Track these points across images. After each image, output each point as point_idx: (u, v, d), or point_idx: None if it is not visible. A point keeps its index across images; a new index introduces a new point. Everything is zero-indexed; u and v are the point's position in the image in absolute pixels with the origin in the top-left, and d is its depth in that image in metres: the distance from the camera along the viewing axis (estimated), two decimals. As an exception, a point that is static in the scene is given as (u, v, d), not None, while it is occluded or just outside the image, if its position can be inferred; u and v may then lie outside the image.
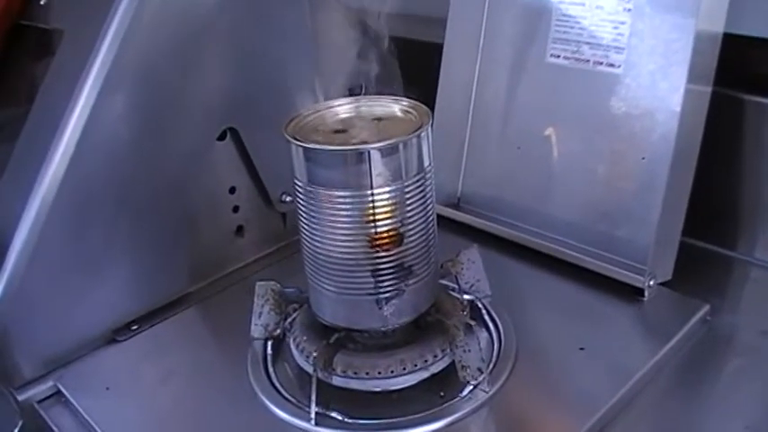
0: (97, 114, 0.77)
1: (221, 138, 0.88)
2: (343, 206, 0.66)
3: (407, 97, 0.72)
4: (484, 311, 0.79)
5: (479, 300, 0.79)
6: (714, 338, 0.79)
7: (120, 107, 0.79)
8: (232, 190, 0.91)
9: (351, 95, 0.75)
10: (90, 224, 0.80)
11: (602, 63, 0.87)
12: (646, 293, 0.82)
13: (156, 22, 0.79)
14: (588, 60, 0.88)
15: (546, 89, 0.91)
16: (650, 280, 0.81)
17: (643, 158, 0.84)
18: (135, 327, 0.85)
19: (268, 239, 0.96)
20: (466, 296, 0.79)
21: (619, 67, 0.85)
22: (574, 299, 0.83)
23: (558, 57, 0.90)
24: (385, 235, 0.67)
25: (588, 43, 0.87)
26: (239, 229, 0.93)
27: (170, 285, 0.88)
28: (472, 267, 0.78)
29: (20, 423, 0.78)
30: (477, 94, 0.97)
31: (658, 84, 0.82)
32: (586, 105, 0.88)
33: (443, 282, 0.79)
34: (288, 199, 0.94)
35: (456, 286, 0.79)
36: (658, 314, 0.81)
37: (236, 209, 0.92)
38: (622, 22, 0.84)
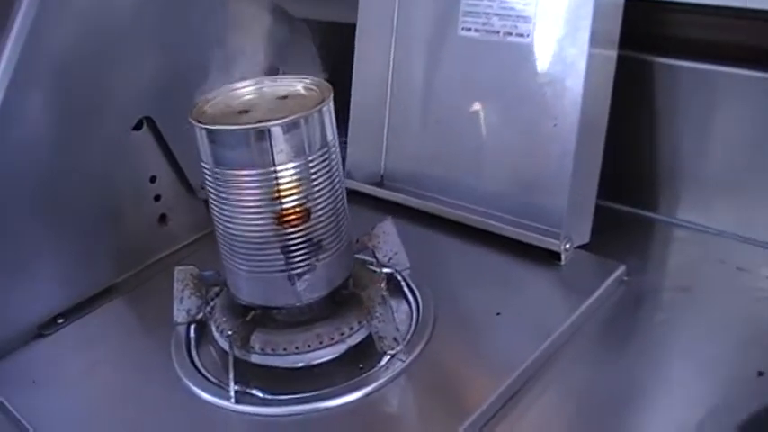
0: (8, 110, 0.77)
1: (137, 127, 0.88)
2: (249, 185, 0.67)
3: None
4: (403, 283, 0.80)
5: (398, 272, 0.80)
6: (632, 297, 0.80)
7: (32, 102, 0.79)
8: (153, 179, 0.91)
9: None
10: (10, 221, 0.80)
11: (511, 34, 0.88)
12: (562, 257, 0.83)
13: (63, 15, 0.79)
14: (498, 32, 0.89)
15: (461, 63, 0.92)
16: (566, 243, 0.83)
17: (555, 125, 0.85)
18: (61, 320, 0.85)
19: (192, 227, 0.96)
20: (385, 269, 0.80)
21: (528, 36, 0.86)
22: (493, 267, 0.85)
23: (470, 30, 0.91)
24: (291, 211, 0.68)
25: (498, 15, 0.88)
26: (162, 218, 0.94)
27: (96, 277, 0.88)
28: (388, 240, 0.79)
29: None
30: (395, 71, 0.98)
31: (565, 50, 0.83)
32: (500, 76, 0.89)
33: (362, 256, 0.80)
34: (209, 185, 0.94)
35: (374, 260, 0.80)
36: (575, 276, 0.82)
37: (157, 197, 0.93)
38: (528, -8, 0.85)
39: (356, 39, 0.97)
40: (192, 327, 0.79)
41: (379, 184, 0.99)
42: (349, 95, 0.97)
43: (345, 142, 0.97)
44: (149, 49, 0.88)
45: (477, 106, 0.92)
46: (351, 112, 0.98)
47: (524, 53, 0.87)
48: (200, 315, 0.78)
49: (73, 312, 0.86)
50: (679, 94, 0.87)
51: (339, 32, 0.98)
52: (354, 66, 0.97)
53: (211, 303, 0.78)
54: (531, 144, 0.87)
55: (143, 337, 0.83)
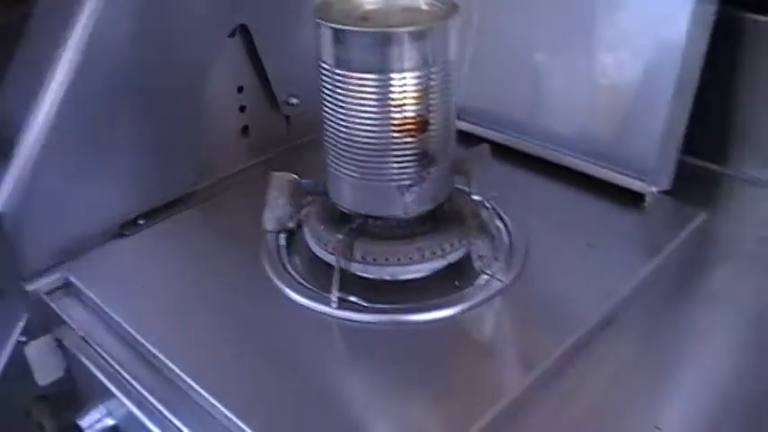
0: (106, 7, 0.76)
1: (231, 35, 0.87)
2: (372, 90, 0.67)
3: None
4: (493, 211, 0.80)
5: (488, 200, 0.80)
6: (712, 244, 0.82)
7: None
8: (240, 89, 0.91)
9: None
10: (99, 119, 0.80)
11: (610, -24, 0.87)
12: (647, 199, 0.84)
13: None
14: (598, -30, 0.88)
15: (552, 2, 0.92)
16: (652, 186, 0.84)
17: (648, 71, 0.85)
18: (142, 221, 0.85)
19: (271, 142, 0.96)
20: (475, 197, 0.80)
21: (627, -20, 0.86)
22: (577, 204, 0.86)
23: (568, -35, 0.91)
24: (411, 120, 0.68)
25: (599, -49, 0.88)
26: (245, 130, 0.94)
27: (176, 182, 0.88)
28: (482, 166, 0.79)
29: (25, 316, 0.78)
30: (482, 5, 0.97)
31: (669, -2, 0.83)
32: (593, 18, 0.88)
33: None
34: (294, 101, 0.94)
35: (467, 188, 0.80)
36: (658, 219, 0.83)
37: (242, 108, 0.92)
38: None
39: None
40: (282, 235, 0.79)
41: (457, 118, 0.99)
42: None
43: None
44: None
45: (565, 47, 0.91)
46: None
47: (622, -3, 0.86)
48: (291, 224, 0.78)
49: (153, 215, 0.86)
50: (760, 52, 0.88)
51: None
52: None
53: (304, 212, 0.78)
54: (620, 89, 0.87)
55: (227, 243, 0.82)
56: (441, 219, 0.75)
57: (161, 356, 0.68)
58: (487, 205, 0.80)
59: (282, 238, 0.79)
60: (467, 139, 0.93)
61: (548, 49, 0.92)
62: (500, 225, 0.80)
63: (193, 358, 0.68)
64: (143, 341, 0.70)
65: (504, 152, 0.92)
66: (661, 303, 0.74)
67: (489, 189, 0.81)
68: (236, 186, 0.91)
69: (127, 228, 0.84)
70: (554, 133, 0.92)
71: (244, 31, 0.88)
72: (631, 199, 0.85)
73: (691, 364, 0.68)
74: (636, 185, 0.84)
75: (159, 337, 0.70)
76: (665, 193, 0.86)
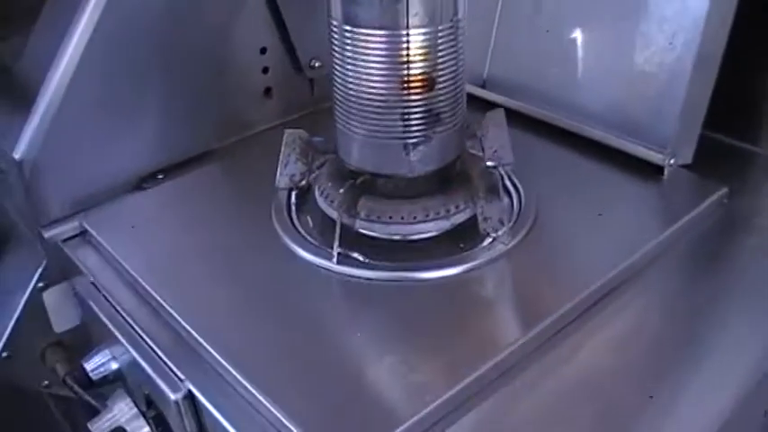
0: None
1: (255, -7, 0.89)
2: (379, 46, 0.67)
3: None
4: (505, 177, 0.80)
5: (502, 166, 0.80)
6: (731, 219, 0.80)
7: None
8: (263, 50, 0.92)
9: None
10: (122, 71, 0.82)
11: (635, -56, 0.86)
12: (665, 171, 0.82)
13: None
14: (621, -60, 0.87)
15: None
16: (671, 159, 0.82)
17: (670, 43, 0.84)
18: (161, 176, 0.86)
19: (294, 105, 0.97)
20: (489, 162, 0.79)
21: (653, -50, 0.85)
22: (596, 175, 0.85)
23: (591, -64, 0.89)
24: (417, 78, 0.68)
25: None
26: (267, 91, 0.94)
27: (197, 139, 0.89)
28: (497, 132, 0.79)
29: (44, 262, 0.81)
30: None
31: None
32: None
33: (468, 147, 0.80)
34: (317, 65, 0.95)
35: (480, 153, 0.80)
36: (677, 193, 0.82)
37: (265, 70, 0.93)
38: None
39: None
40: (294, 193, 0.79)
41: (482, 87, 0.99)
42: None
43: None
44: None
45: (589, 17, 0.90)
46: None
47: (647, -34, 0.85)
48: (303, 182, 0.78)
49: (172, 171, 0.88)
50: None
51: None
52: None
53: (316, 172, 0.79)
54: (643, 60, 0.86)
55: (242, 200, 0.84)
56: (449, 180, 0.75)
57: (166, 306, 0.69)
58: (501, 171, 0.80)
59: (294, 196, 0.79)
60: (490, 108, 0.92)
61: (574, 20, 0.91)
62: (512, 190, 0.80)
63: (196, 308, 0.69)
64: (150, 290, 0.71)
65: (525, 121, 0.92)
66: (670, 276, 0.74)
67: (504, 155, 0.80)
68: (256, 146, 0.92)
69: (146, 181, 0.86)
70: (576, 104, 0.91)
71: (267, -10, 0.89)
72: (651, 172, 0.83)
73: (694, 338, 0.67)
74: (655, 158, 0.83)
75: (165, 286, 0.71)
76: (686, 167, 0.85)
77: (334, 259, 0.71)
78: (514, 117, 0.92)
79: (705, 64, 0.82)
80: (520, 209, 0.78)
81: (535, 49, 0.96)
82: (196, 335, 0.66)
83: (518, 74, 0.97)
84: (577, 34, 0.92)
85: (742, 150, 0.92)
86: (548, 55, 0.94)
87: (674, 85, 0.83)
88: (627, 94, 0.87)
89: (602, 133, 0.87)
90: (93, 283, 0.75)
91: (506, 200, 0.79)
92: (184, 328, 0.67)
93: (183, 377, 0.65)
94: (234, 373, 0.62)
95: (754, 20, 0.84)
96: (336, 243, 0.70)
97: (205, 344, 0.65)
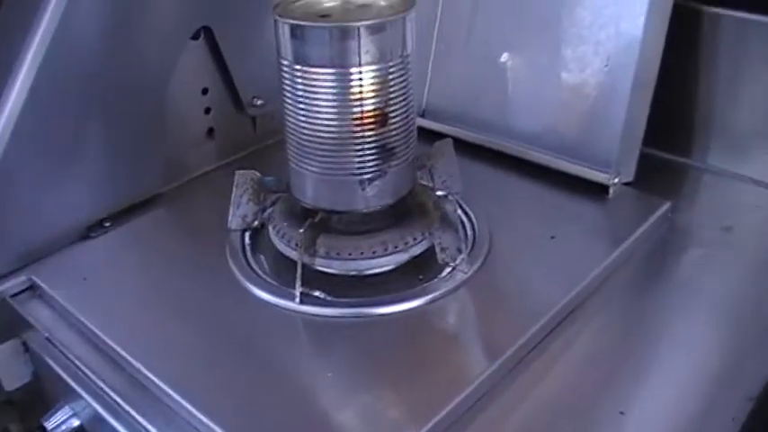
0: (70, 8, 0.76)
1: (195, 37, 0.88)
2: (331, 84, 0.67)
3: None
4: (457, 205, 0.81)
5: (452, 194, 0.81)
6: (677, 233, 0.83)
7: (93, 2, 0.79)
8: (204, 91, 0.91)
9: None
10: (63, 120, 0.80)
11: (568, -30, 0.88)
12: (611, 191, 0.84)
13: None
14: (554, -33, 0.89)
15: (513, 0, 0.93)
16: (615, 177, 0.84)
17: (606, 66, 0.86)
18: (108, 224, 0.85)
19: (238, 144, 0.96)
20: (438, 192, 0.80)
21: (585, -26, 0.87)
22: (542, 197, 0.86)
23: (524, -36, 0.91)
24: (370, 114, 0.68)
25: (554, -51, 0.89)
26: (210, 132, 0.94)
27: (141, 185, 0.88)
28: (446, 161, 0.80)
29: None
30: (444, 5, 0.98)
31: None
32: (552, 15, 0.89)
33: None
34: (259, 102, 0.94)
35: (429, 183, 0.80)
36: (623, 210, 0.84)
37: (207, 110, 0.93)
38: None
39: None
40: (247, 234, 0.79)
41: (421, 116, 0.99)
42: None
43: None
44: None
45: (525, 44, 0.92)
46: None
47: (580, -9, 0.87)
48: (256, 222, 0.78)
49: (119, 217, 0.86)
50: (718, 44, 0.89)
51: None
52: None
53: (268, 210, 0.78)
54: (580, 83, 0.88)
55: (194, 243, 0.83)
56: (404, 213, 0.75)
57: (126, 355, 0.68)
58: (451, 199, 0.81)
59: (248, 237, 0.79)
60: (432, 137, 0.93)
61: (509, 46, 0.93)
62: (464, 219, 0.81)
63: (158, 357, 0.68)
64: (108, 341, 0.70)
65: (469, 149, 0.93)
66: (625, 292, 0.75)
67: (453, 184, 0.81)
68: (203, 188, 0.92)
69: (93, 230, 0.84)
70: (518, 129, 0.92)
71: (208, 33, 0.88)
72: (596, 191, 0.85)
73: (654, 352, 0.69)
74: (599, 177, 0.85)
75: (124, 337, 0.70)
76: (629, 184, 0.87)
77: (297, 299, 0.70)
78: (456, 144, 0.93)
79: (642, 84, 0.84)
80: (474, 236, 0.79)
81: (471, 76, 0.97)
82: (161, 384, 0.65)
83: (456, 101, 0.99)
84: (512, 59, 0.93)
85: (676, 164, 0.95)
86: (484, 81, 0.96)
87: (612, 106, 0.85)
88: (565, 116, 0.89)
89: (546, 156, 0.88)
90: (47, 339, 0.73)
91: (460, 228, 0.79)
92: (148, 377, 0.66)
93: (150, 427, 0.63)
94: (204, 420, 0.61)
95: (681, 35, 0.87)
96: (298, 283, 0.70)
97: (172, 392, 0.64)
